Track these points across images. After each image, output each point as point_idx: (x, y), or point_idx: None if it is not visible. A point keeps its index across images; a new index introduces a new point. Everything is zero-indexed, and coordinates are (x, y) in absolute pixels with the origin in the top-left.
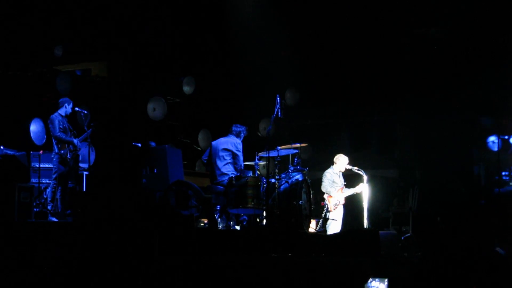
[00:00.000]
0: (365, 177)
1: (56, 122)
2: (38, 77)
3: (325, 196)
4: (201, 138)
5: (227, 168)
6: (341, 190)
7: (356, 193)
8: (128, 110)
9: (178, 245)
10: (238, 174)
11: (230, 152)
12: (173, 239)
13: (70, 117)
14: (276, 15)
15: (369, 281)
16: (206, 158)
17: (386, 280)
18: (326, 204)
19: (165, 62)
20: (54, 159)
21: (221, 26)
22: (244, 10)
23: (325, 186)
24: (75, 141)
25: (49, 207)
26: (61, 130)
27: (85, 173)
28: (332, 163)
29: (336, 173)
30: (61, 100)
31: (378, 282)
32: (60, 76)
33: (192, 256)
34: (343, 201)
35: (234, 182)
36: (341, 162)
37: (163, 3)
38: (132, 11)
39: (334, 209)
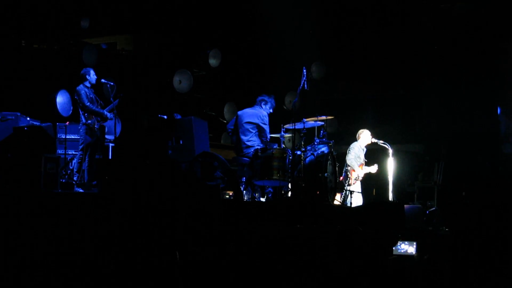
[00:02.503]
0: (390, 151)
1: (83, 93)
2: (65, 49)
3: (348, 168)
4: (226, 111)
5: (252, 141)
6: (361, 166)
7: (371, 172)
8: (154, 82)
9: (204, 215)
10: (264, 146)
11: (255, 125)
12: (199, 209)
13: (96, 89)
14: None
15: (398, 244)
16: (232, 127)
17: (414, 243)
18: (348, 176)
19: (191, 35)
20: (81, 130)
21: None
22: None
23: (350, 159)
24: (106, 112)
25: (75, 178)
26: (89, 101)
27: (111, 144)
28: (358, 137)
29: (361, 148)
30: (82, 71)
31: (407, 245)
32: (86, 48)
33: (217, 226)
34: (362, 177)
35: (259, 154)
36: (364, 136)
37: None
38: None
39: (353, 183)
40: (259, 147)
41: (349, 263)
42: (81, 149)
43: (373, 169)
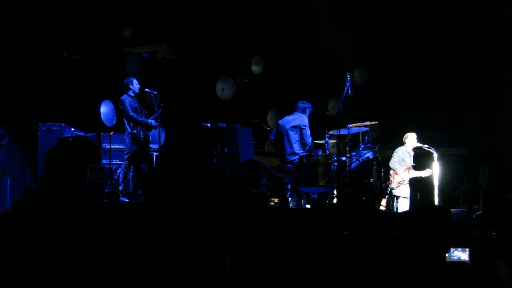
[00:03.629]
0: (435, 155)
1: (128, 103)
2: (107, 59)
3: (391, 172)
4: (270, 118)
5: (296, 147)
6: (407, 170)
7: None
8: (197, 90)
9: (251, 223)
10: (308, 152)
11: (297, 130)
12: (246, 217)
13: (140, 98)
14: None
15: (451, 251)
16: (273, 137)
17: (467, 249)
18: (390, 181)
19: (233, 42)
20: (126, 139)
21: (289, 5)
22: None
23: (393, 162)
24: (150, 121)
25: (120, 188)
26: (133, 110)
27: (155, 153)
28: (402, 141)
29: (408, 152)
30: (125, 81)
31: (460, 252)
32: (129, 57)
33: (264, 233)
34: (407, 181)
35: (304, 160)
36: (410, 140)
37: None
38: None
39: (397, 187)
40: (303, 154)
41: (399, 271)
42: (127, 159)
43: (425, 173)
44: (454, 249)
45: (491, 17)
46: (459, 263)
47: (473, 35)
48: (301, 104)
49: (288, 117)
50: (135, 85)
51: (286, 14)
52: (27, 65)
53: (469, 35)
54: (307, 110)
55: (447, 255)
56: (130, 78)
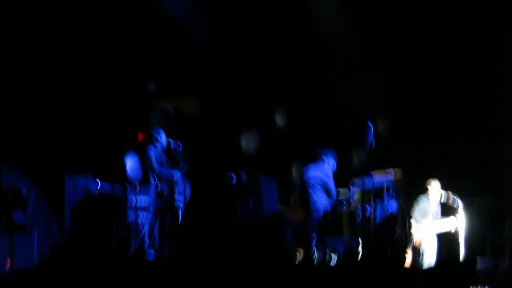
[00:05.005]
0: (460, 203)
1: (153, 156)
2: (132, 112)
3: (413, 221)
4: (294, 169)
5: (320, 198)
6: (431, 218)
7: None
8: (220, 143)
9: (277, 275)
10: (332, 203)
11: (321, 181)
12: (272, 269)
13: (165, 150)
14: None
15: None
16: (298, 187)
17: None
18: (414, 230)
19: (256, 94)
20: (151, 193)
21: (311, 56)
22: (336, 40)
23: (415, 212)
24: (175, 174)
25: (146, 242)
26: (158, 163)
27: (181, 206)
28: (426, 189)
29: (430, 200)
30: (152, 131)
31: None
32: (154, 110)
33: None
34: (432, 233)
35: (329, 211)
36: (433, 187)
37: (252, 38)
38: (220, 48)
39: (421, 237)
40: (328, 205)
41: None
42: (152, 213)
43: (449, 222)
44: None
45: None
46: None
47: (492, 91)
48: (323, 153)
49: (311, 167)
50: (162, 136)
51: (309, 65)
52: (53, 118)
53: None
54: (330, 158)
55: None
56: (157, 129)
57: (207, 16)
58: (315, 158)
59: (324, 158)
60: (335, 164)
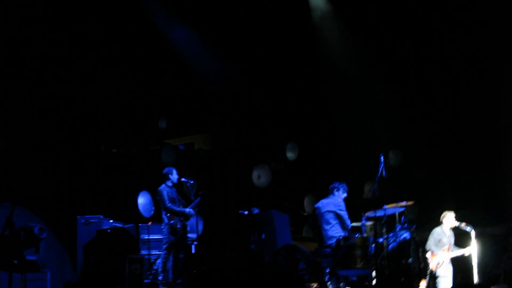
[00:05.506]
0: (473, 234)
1: (165, 194)
2: (143, 151)
3: (428, 254)
4: (307, 203)
5: (334, 230)
6: (447, 249)
7: (464, 255)
8: (232, 178)
9: None
10: (346, 235)
11: (334, 214)
12: None
13: (177, 188)
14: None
15: None
16: (311, 221)
17: None
18: (428, 262)
19: (267, 130)
20: (164, 230)
21: (322, 89)
22: (346, 74)
23: (429, 244)
24: (188, 210)
25: (160, 278)
26: (170, 201)
27: (194, 242)
28: (440, 221)
29: (444, 232)
30: (164, 170)
31: None
32: (165, 149)
33: None
34: (447, 261)
35: (342, 243)
36: (448, 219)
37: (264, 74)
38: (232, 84)
39: (435, 268)
40: (341, 237)
41: None
42: (165, 249)
43: (467, 251)
44: None
45: None
46: None
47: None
48: (335, 186)
49: (324, 201)
50: (174, 175)
51: (319, 99)
52: (65, 159)
53: (498, 117)
54: (342, 191)
55: None
56: (170, 168)
57: (219, 53)
58: (327, 193)
59: (335, 192)
60: (346, 196)
